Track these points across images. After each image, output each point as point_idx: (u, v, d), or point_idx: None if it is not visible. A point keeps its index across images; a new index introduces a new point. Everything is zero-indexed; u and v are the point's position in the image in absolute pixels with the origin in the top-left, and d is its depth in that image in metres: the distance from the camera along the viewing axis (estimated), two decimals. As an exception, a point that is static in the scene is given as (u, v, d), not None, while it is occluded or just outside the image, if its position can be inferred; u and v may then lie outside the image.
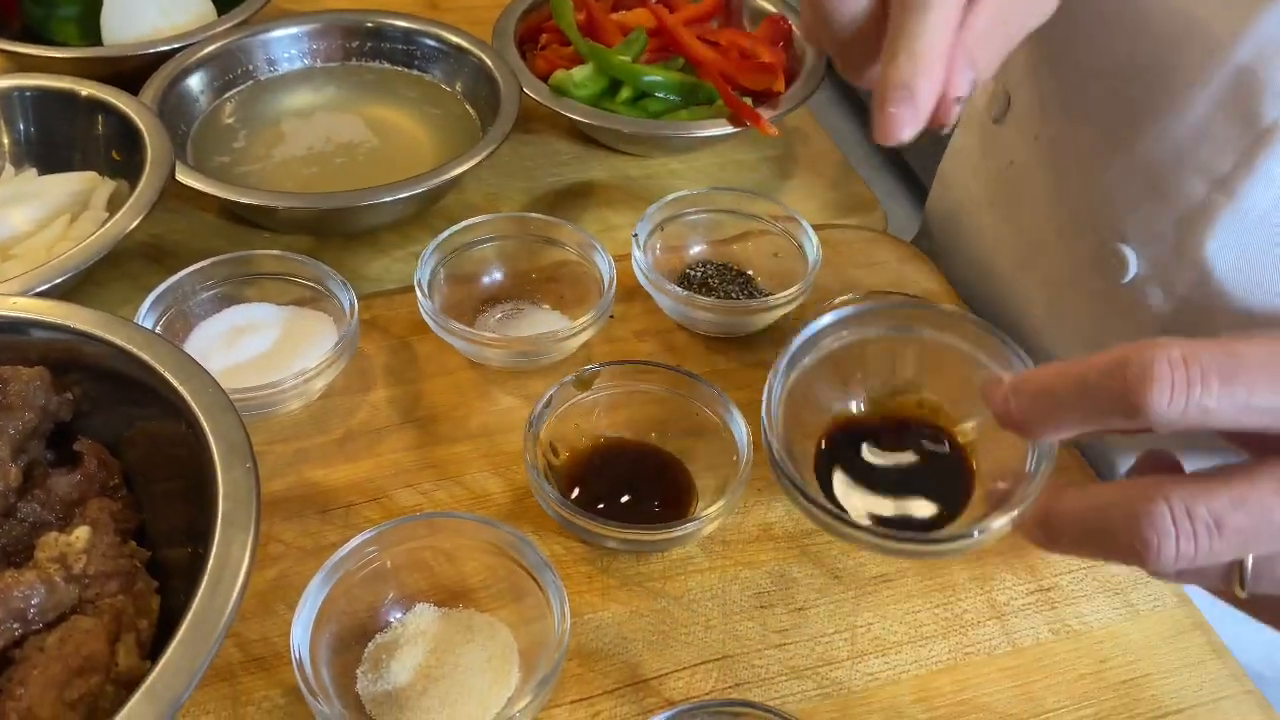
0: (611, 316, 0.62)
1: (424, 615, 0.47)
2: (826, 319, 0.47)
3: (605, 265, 0.60)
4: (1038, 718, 0.47)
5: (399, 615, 0.47)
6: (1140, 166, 0.53)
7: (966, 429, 0.49)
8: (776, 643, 0.49)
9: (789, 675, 0.47)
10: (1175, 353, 0.32)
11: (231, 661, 0.46)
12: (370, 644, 0.46)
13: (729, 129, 0.70)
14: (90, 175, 0.65)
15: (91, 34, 0.77)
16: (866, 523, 0.43)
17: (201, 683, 0.36)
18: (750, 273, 0.64)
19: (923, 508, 0.49)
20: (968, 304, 0.67)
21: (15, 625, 0.39)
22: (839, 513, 0.43)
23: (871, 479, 0.49)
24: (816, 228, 0.63)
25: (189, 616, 0.37)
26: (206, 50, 0.73)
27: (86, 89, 0.66)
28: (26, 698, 0.37)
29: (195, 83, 0.73)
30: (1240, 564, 0.34)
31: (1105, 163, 0.55)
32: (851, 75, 0.43)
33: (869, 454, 0.51)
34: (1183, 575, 0.36)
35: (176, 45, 0.72)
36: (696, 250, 0.65)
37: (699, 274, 0.64)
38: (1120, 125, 0.54)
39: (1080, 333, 0.60)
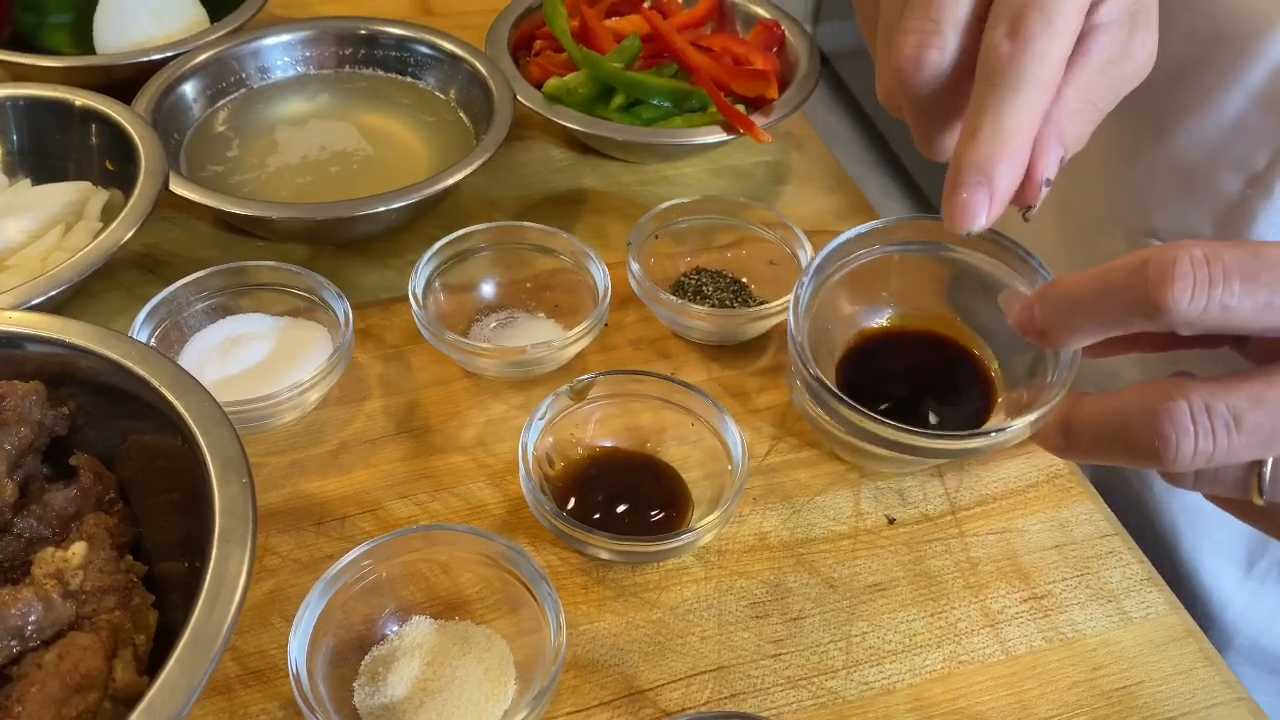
0: (606, 325, 0.62)
1: (420, 627, 0.47)
2: (857, 230, 0.47)
3: (600, 274, 0.60)
4: (1031, 726, 0.47)
5: (395, 628, 0.47)
6: (1171, 163, 0.52)
7: (988, 347, 0.49)
8: (772, 653, 0.49)
9: (784, 685, 0.48)
10: (1197, 251, 0.32)
11: (228, 675, 0.46)
12: (367, 656, 0.46)
13: (723, 136, 0.70)
14: (84, 185, 0.65)
15: (83, 42, 0.77)
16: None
17: (198, 697, 0.36)
18: (745, 280, 0.65)
19: (943, 420, 0.49)
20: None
21: (13, 643, 0.39)
22: (865, 410, 0.42)
23: (893, 392, 0.49)
24: (811, 234, 0.63)
25: (187, 632, 0.37)
26: (200, 58, 0.73)
27: (80, 98, 0.66)
28: (25, 716, 0.37)
29: (188, 91, 0.72)
30: (1259, 469, 0.34)
31: (1134, 159, 0.54)
32: (928, 149, 0.40)
33: (891, 368, 0.50)
34: (1200, 479, 0.36)
35: (169, 54, 0.72)
36: (690, 258, 0.66)
37: (693, 282, 0.64)
38: (1150, 121, 0.53)
39: None
